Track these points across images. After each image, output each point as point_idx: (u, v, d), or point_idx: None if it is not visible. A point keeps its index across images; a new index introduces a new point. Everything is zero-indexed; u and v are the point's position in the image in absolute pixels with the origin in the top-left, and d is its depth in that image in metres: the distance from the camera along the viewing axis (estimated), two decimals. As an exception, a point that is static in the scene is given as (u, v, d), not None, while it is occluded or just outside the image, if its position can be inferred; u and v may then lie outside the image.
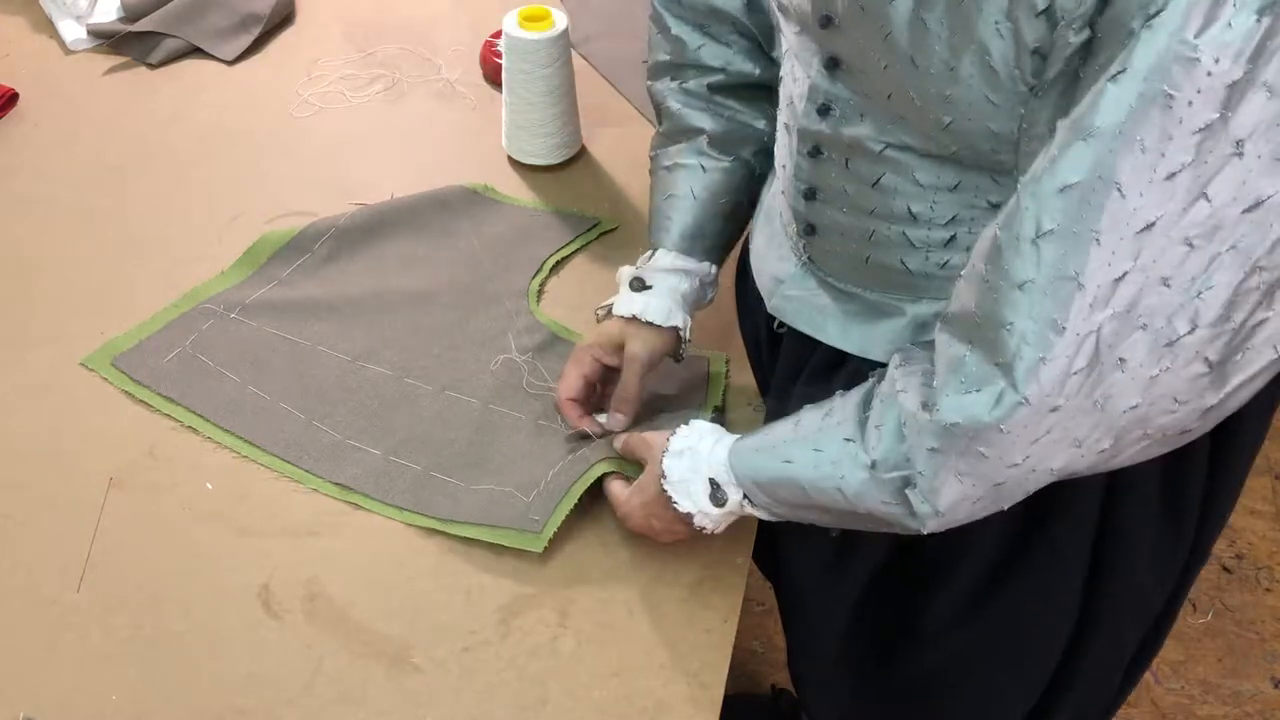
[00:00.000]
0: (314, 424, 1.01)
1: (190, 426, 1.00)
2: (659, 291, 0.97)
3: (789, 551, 1.01)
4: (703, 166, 0.98)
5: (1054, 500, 0.81)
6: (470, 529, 0.92)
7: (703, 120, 0.99)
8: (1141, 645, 0.97)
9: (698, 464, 0.84)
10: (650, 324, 0.96)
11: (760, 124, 0.99)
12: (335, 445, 0.99)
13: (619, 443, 0.94)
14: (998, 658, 0.93)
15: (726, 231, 1.00)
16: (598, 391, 1.01)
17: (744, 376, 1.08)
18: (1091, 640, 0.91)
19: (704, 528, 0.85)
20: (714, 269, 1.00)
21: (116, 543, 0.92)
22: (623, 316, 0.96)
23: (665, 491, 0.85)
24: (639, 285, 0.97)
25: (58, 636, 0.86)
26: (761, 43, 0.98)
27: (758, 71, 0.98)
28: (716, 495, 0.83)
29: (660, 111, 1.03)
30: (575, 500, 0.92)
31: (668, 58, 1.00)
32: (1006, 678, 0.95)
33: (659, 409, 1.03)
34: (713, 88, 0.99)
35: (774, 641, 1.75)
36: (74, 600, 0.88)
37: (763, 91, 0.98)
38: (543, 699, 0.83)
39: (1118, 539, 0.85)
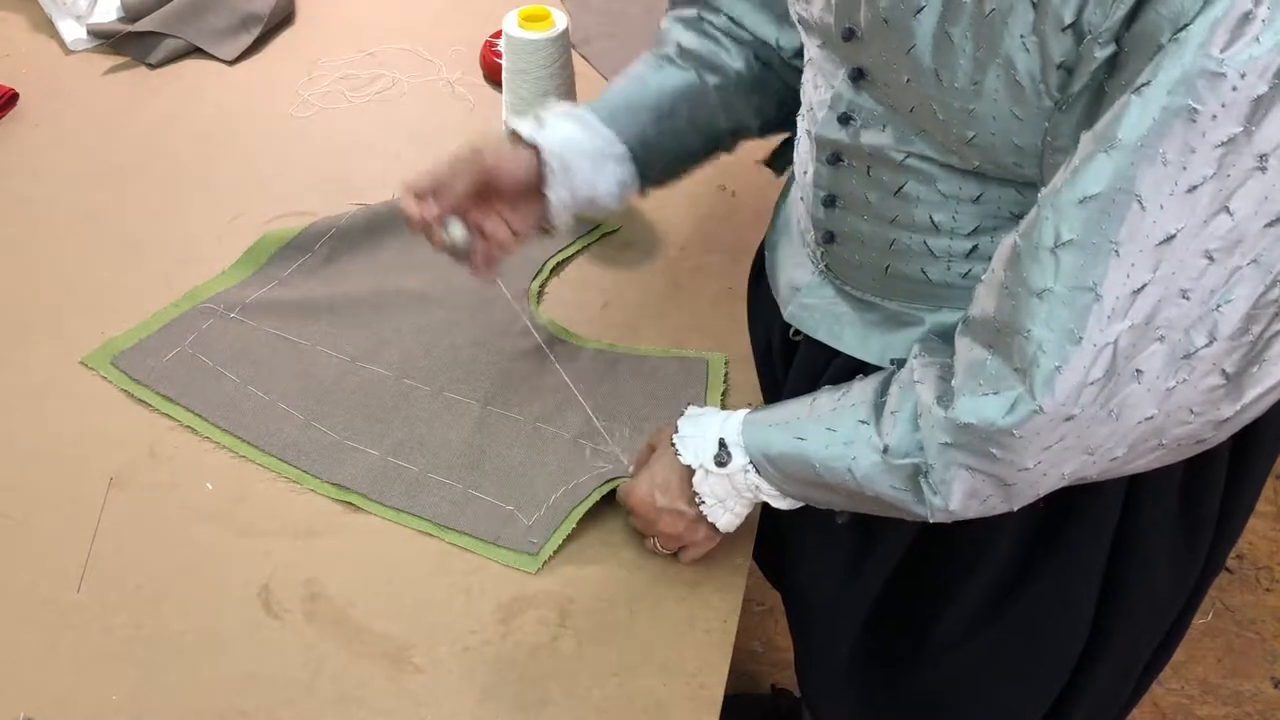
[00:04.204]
0: (312, 424, 1.01)
1: (189, 426, 1.00)
2: (550, 126, 0.91)
3: (798, 561, 1.01)
4: (660, 64, 0.96)
5: (1071, 508, 0.80)
6: (467, 540, 0.93)
7: (683, 35, 0.97)
8: (1153, 655, 0.97)
9: (709, 425, 0.84)
10: (516, 140, 0.91)
11: (735, 64, 0.95)
12: (333, 445, 0.99)
13: (635, 467, 0.94)
14: (1010, 668, 0.93)
15: (653, 125, 0.95)
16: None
17: (744, 377, 1.08)
18: (1105, 651, 0.91)
19: (703, 504, 0.84)
20: (623, 150, 0.94)
21: (116, 543, 0.92)
22: (503, 135, 0.92)
23: (673, 445, 0.85)
24: (536, 120, 0.92)
25: (58, 636, 0.86)
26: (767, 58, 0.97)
27: (749, 35, 0.96)
28: (721, 455, 0.82)
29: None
30: (574, 525, 0.92)
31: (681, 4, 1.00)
32: (1018, 688, 0.94)
33: (657, 409, 1.02)
34: (704, 18, 0.97)
35: (774, 641, 1.75)
36: (74, 600, 0.88)
37: (752, 50, 0.96)
38: (543, 699, 0.83)
39: (1135, 549, 0.85)
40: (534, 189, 0.91)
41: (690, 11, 0.98)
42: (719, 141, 1.00)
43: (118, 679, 0.83)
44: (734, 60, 0.96)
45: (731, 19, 0.96)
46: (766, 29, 0.95)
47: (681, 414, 0.88)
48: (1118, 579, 0.86)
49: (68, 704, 0.82)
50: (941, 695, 0.98)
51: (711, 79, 0.96)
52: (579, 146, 0.91)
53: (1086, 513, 0.82)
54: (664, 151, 0.97)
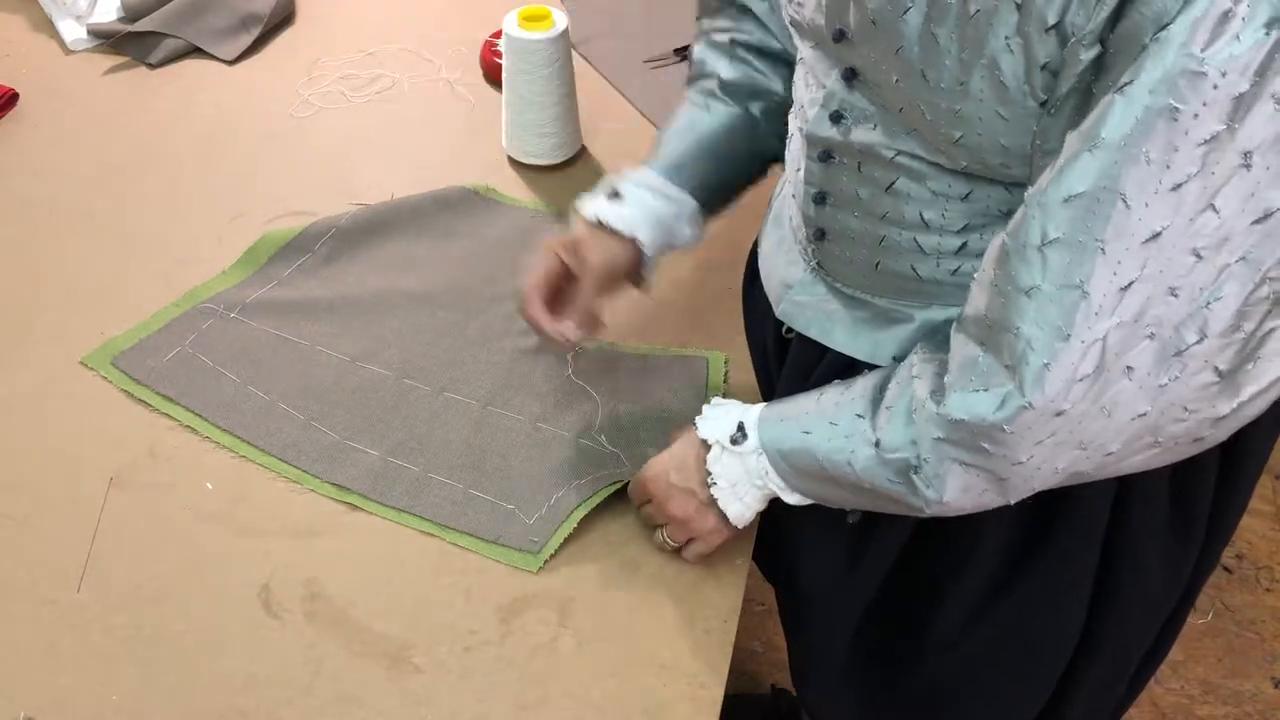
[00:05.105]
0: (312, 424, 1.01)
1: (189, 426, 1.00)
2: (629, 203, 0.95)
3: (795, 561, 1.01)
4: (707, 106, 0.98)
5: (1062, 507, 0.81)
6: (468, 539, 0.93)
7: (720, 65, 0.98)
8: (1148, 651, 0.97)
9: (732, 410, 0.85)
10: (613, 232, 0.93)
11: (775, 85, 0.98)
12: (333, 446, 0.99)
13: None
14: (1007, 666, 0.93)
15: (715, 172, 0.99)
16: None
17: (744, 377, 1.08)
18: (1098, 648, 0.91)
19: (715, 485, 0.84)
20: (695, 206, 0.98)
21: (116, 543, 0.92)
22: (588, 221, 0.94)
23: (695, 424, 0.86)
24: (611, 193, 0.95)
25: (58, 636, 0.86)
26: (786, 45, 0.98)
27: (779, 45, 0.98)
28: (737, 435, 0.83)
29: (690, 62, 1.03)
30: (575, 524, 0.92)
31: (712, 20, 1.01)
32: (1015, 686, 0.95)
33: (656, 408, 1.02)
34: (736, 41, 0.98)
35: (774, 641, 1.75)
36: (74, 600, 0.88)
37: (783, 61, 0.98)
38: (543, 699, 0.83)
39: (1126, 547, 0.85)
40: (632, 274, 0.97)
41: (722, 36, 0.99)
42: (776, 159, 1.02)
43: (118, 679, 0.83)
44: (772, 81, 0.98)
45: (761, 34, 0.98)
46: (776, 45, 0.97)
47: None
48: (1110, 579, 0.87)
49: (68, 704, 0.82)
50: (939, 694, 0.98)
51: (756, 106, 0.98)
52: (662, 220, 0.96)
53: (1074, 514, 0.82)
54: (725, 187, 1.00)
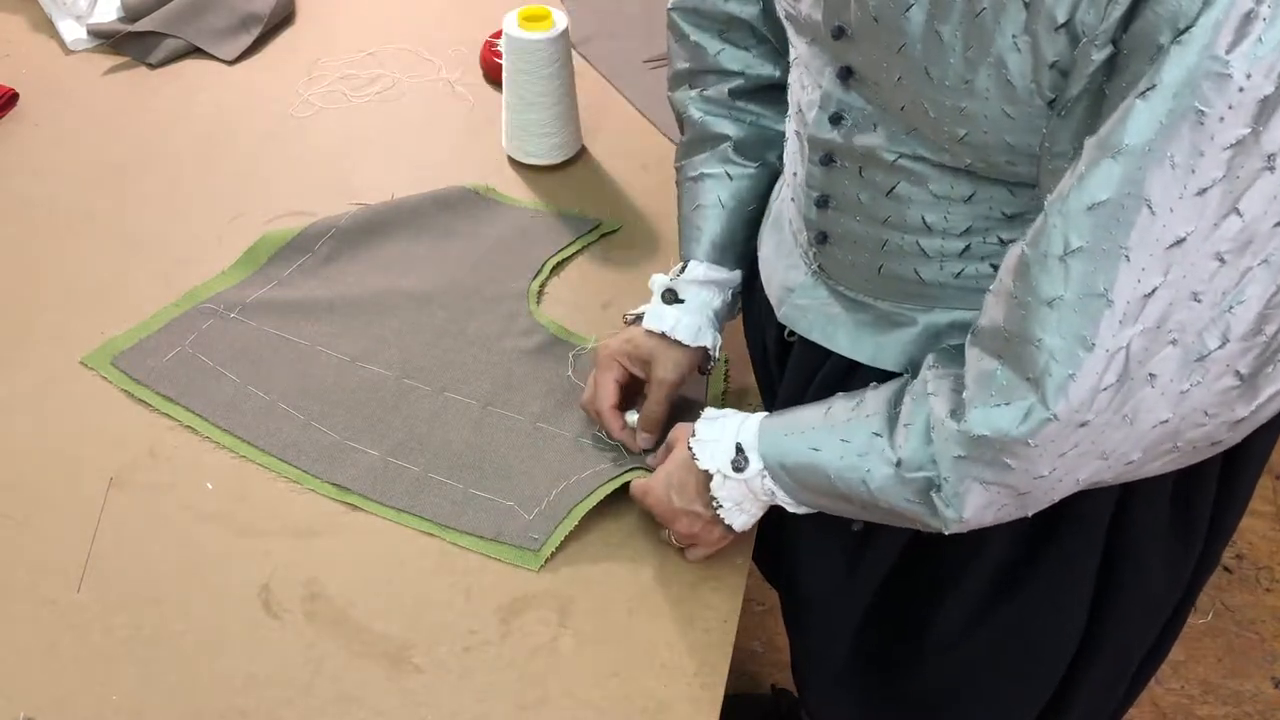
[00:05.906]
0: (312, 424, 1.01)
1: (189, 426, 1.00)
2: (690, 307, 0.95)
3: (796, 563, 1.01)
4: (728, 174, 0.97)
5: (1065, 511, 0.80)
6: (468, 539, 0.93)
7: (725, 126, 0.98)
8: (1149, 652, 0.97)
9: (727, 428, 0.84)
10: (678, 343, 0.95)
11: (781, 126, 0.97)
12: (333, 446, 0.99)
13: (653, 460, 0.94)
14: (1007, 668, 0.93)
15: (754, 237, 0.99)
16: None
17: (744, 377, 1.08)
18: (1099, 649, 0.91)
19: (720, 508, 0.84)
20: (742, 276, 0.99)
21: (116, 543, 0.92)
22: (652, 331, 0.95)
23: (690, 449, 0.85)
24: (671, 298, 0.96)
25: (58, 636, 0.85)
26: (778, 47, 0.97)
27: (777, 74, 0.97)
28: (738, 460, 0.82)
29: (682, 121, 1.02)
30: (576, 522, 0.92)
31: (687, 65, 1.00)
32: (1016, 688, 0.95)
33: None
34: (733, 92, 0.98)
35: (774, 641, 1.74)
36: (74, 600, 0.88)
37: (783, 93, 0.96)
38: (543, 699, 0.83)
39: (1128, 549, 0.85)
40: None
41: (716, 90, 0.98)
42: None
43: (118, 679, 0.83)
44: (776, 121, 0.97)
45: (744, 75, 0.97)
46: (769, 70, 0.97)
47: (698, 416, 0.88)
48: (1111, 580, 0.86)
49: (68, 704, 0.82)
50: (939, 696, 0.98)
51: (773, 155, 0.98)
52: (720, 312, 0.98)
53: (1077, 517, 0.82)
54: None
